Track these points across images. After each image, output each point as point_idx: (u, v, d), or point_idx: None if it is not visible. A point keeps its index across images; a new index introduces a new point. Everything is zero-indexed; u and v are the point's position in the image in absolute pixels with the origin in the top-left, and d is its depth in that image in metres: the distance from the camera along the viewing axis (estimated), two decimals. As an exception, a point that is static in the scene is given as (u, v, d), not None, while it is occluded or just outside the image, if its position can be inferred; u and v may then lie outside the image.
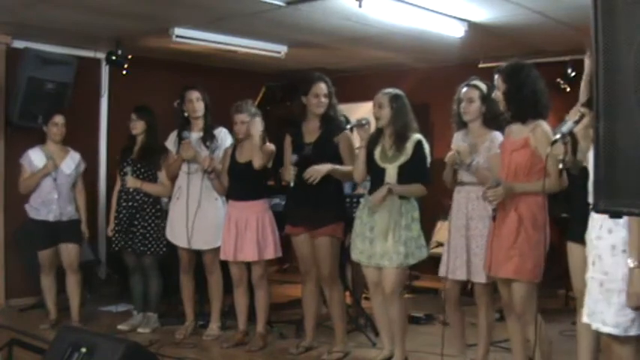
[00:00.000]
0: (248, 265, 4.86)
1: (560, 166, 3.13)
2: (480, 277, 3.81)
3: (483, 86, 3.91)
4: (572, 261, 3.41)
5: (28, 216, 5.31)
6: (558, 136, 2.97)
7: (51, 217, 5.24)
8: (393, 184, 4.10)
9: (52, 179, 5.21)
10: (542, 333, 3.51)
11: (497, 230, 3.59)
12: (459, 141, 3.97)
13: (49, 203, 5.22)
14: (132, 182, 5.21)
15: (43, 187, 5.23)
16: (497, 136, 3.85)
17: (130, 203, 5.24)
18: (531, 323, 3.49)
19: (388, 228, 4.08)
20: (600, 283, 2.60)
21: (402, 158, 4.13)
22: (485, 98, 3.87)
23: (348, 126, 4.39)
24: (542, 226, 3.49)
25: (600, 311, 2.57)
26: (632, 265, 2.45)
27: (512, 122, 3.66)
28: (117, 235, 5.27)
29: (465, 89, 3.93)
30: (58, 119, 5.31)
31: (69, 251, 5.31)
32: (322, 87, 4.52)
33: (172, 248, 5.22)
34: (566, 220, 3.82)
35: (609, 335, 2.58)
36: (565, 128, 2.96)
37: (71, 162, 5.37)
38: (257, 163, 4.68)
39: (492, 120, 3.88)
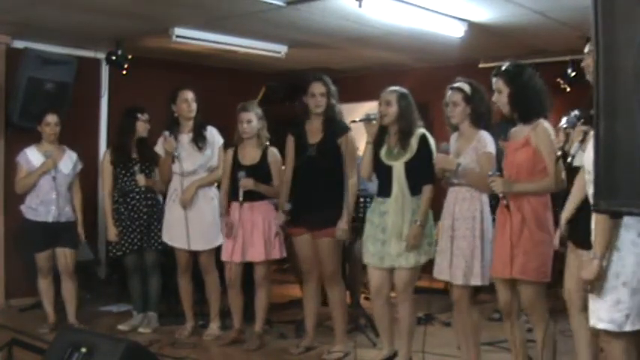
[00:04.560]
0: (245, 266, 4.85)
1: (559, 153, 3.31)
2: (458, 279, 3.77)
3: (467, 87, 3.84)
4: (567, 261, 3.41)
5: (25, 217, 5.17)
6: (569, 159, 3.20)
7: (50, 218, 5.11)
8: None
9: (52, 178, 5.08)
10: (549, 334, 3.50)
11: (500, 231, 3.58)
12: (452, 144, 3.95)
13: (48, 203, 5.09)
14: (144, 181, 5.20)
15: (41, 186, 5.10)
16: (484, 135, 3.83)
17: (145, 202, 5.23)
18: (539, 324, 3.48)
19: (402, 227, 4.05)
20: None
21: (408, 155, 4.11)
22: (470, 99, 3.82)
23: (357, 119, 4.33)
24: (547, 226, 3.48)
25: (597, 308, 2.62)
26: (591, 256, 2.62)
27: (508, 123, 3.66)
28: (138, 236, 5.19)
29: (449, 92, 3.88)
30: (51, 119, 5.19)
31: (65, 256, 5.21)
32: (318, 86, 4.53)
33: (170, 250, 5.21)
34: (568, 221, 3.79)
35: (605, 332, 2.62)
36: (573, 150, 3.17)
37: (69, 162, 5.27)
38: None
39: (479, 119, 3.85)
